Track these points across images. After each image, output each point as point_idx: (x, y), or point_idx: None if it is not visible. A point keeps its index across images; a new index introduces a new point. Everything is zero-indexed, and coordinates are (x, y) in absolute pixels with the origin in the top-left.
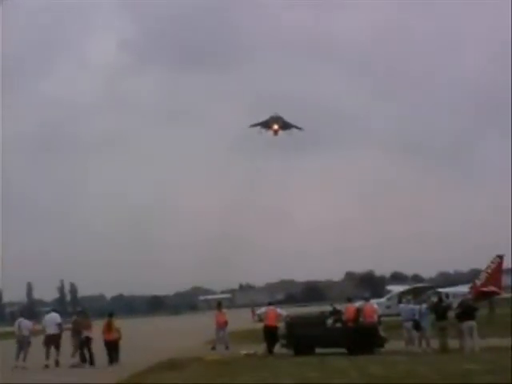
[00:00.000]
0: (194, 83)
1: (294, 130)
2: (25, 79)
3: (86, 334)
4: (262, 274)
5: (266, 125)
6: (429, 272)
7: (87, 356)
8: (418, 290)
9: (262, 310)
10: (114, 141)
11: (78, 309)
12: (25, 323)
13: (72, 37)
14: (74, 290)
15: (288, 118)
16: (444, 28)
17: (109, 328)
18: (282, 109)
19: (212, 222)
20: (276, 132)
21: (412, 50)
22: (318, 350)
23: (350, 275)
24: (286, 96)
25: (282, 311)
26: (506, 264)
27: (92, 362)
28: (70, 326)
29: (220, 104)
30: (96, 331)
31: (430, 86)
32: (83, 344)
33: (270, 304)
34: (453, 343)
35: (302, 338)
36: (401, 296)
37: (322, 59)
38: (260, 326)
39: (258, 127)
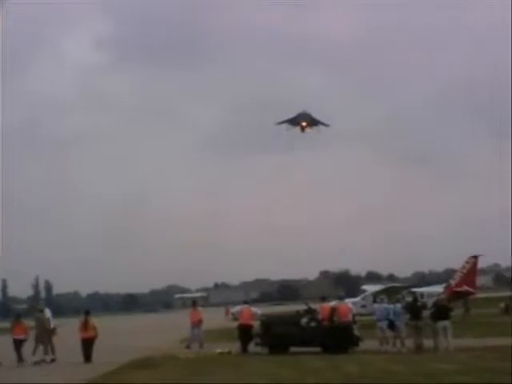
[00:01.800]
0: (169, 81)
1: (322, 127)
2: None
3: (19, 336)
4: (238, 273)
5: (294, 121)
6: (404, 272)
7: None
8: (393, 289)
9: (237, 308)
10: (90, 139)
11: (40, 307)
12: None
13: (48, 35)
14: (48, 287)
15: (266, 118)
16: (427, 25)
17: (85, 326)
18: (258, 107)
19: (188, 221)
20: (304, 129)
21: (392, 49)
22: (292, 349)
23: (325, 274)
24: (262, 95)
25: (257, 310)
26: (481, 264)
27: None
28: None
29: (196, 102)
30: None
31: (414, 84)
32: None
33: (244, 303)
34: (427, 343)
35: (277, 336)
36: (376, 295)
37: (298, 58)
38: (235, 324)
39: (286, 124)
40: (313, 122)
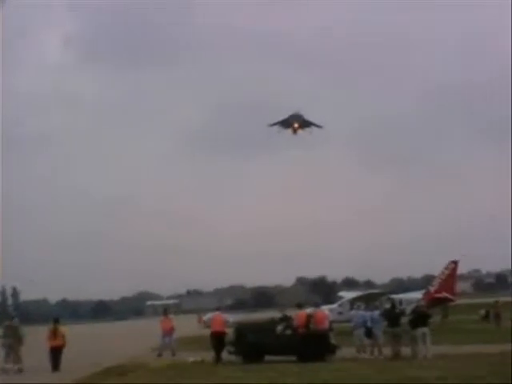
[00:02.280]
0: (139, 81)
1: (314, 129)
2: None
3: None
4: (211, 279)
5: (286, 123)
6: (382, 278)
7: None
8: (371, 296)
9: (209, 315)
10: (59, 139)
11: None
12: None
13: (16, 35)
14: (15, 293)
15: (242, 119)
16: (397, 22)
17: (54, 334)
18: (232, 107)
19: (161, 224)
20: (295, 130)
21: (383, 49)
22: (267, 358)
23: (301, 280)
24: (236, 94)
25: (229, 317)
26: (461, 270)
27: None
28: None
29: (173, 102)
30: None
31: (404, 86)
32: None
33: (217, 309)
34: (405, 350)
35: (251, 344)
36: (353, 302)
37: (283, 57)
38: (208, 332)
39: (277, 126)
40: (305, 124)
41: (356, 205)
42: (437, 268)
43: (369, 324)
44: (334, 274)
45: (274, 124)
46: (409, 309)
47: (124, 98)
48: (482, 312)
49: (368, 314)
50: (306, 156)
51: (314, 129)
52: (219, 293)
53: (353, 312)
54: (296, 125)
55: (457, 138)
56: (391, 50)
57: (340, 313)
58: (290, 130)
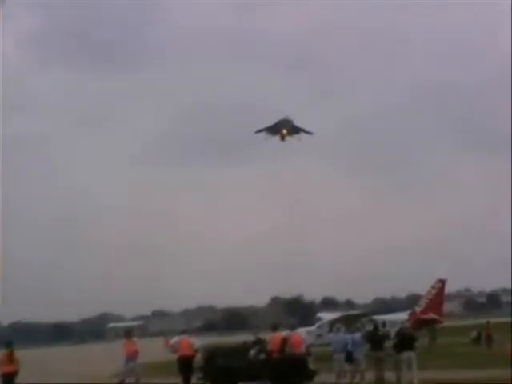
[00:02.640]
0: (100, 83)
1: (304, 135)
2: None
3: None
4: (178, 299)
5: (274, 129)
6: (363, 297)
7: None
8: (352, 317)
9: (175, 339)
10: (15, 143)
11: None
12: None
13: None
14: None
15: (214, 123)
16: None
17: (8, 359)
18: (205, 111)
19: (123, 240)
20: (283, 137)
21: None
22: None
23: (275, 300)
24: (209, 98)
25: (195, 340)
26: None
27: None
28: None
29: (129, 105)
30: None
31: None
32: None
33: (183, 332)
34: (389, 376)
35: (222, 370)
36: (332, 324)
37: (248, 59)
38: (175, 356)
39: (264, 133)
40: (294, 130)
41: (335, 215)
42: (423, 287)
43: (349, 348)
44: (312, 294)
45: (261, 131)
46: (393, 331)
47: (93, 100)
48: (474, 334)
49: (349, 336)
50: (284, 164)
51: (303, 135)
52: (187, 314)
53: (332, 335)
54: (284, 131)
55: (436, 143)
56: (381, 50)
57: (319, 335)
58: (277, 137)
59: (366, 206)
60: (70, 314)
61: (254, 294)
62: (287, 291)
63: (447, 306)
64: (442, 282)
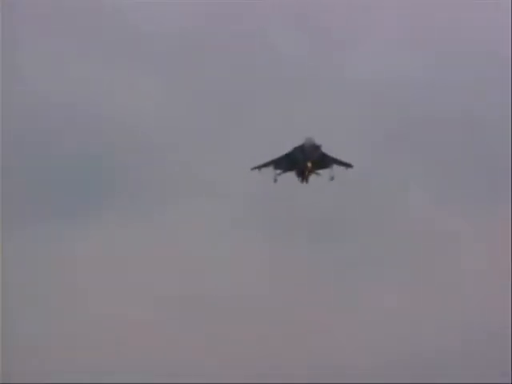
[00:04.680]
0: None
1: (341, 169)
2: None
3: None
4: None
5: (292, 161)
6: None
7: None
8: None
9: None
10: None
11: None
12: None
13: None
14: None
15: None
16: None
17: None
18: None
19: None
20: (307, 174)
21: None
22: None
23: None
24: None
25: None
26: None
27: None
28: None
29: None
30: None
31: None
32: None
33: None
34: None
35: None
36: None
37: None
38: None
39: (276, 172)
40: (324, 162)
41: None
42: None
43: None
44: None
45: (259, 167)
46: None
47: None
48: None
49: None
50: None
51: (335, 170)
52: None
53: None
54: (309, 164)
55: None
56: None
57: None
58: (292, 173)
59: None
60: None
61: None
62: None
63: None
64: None
